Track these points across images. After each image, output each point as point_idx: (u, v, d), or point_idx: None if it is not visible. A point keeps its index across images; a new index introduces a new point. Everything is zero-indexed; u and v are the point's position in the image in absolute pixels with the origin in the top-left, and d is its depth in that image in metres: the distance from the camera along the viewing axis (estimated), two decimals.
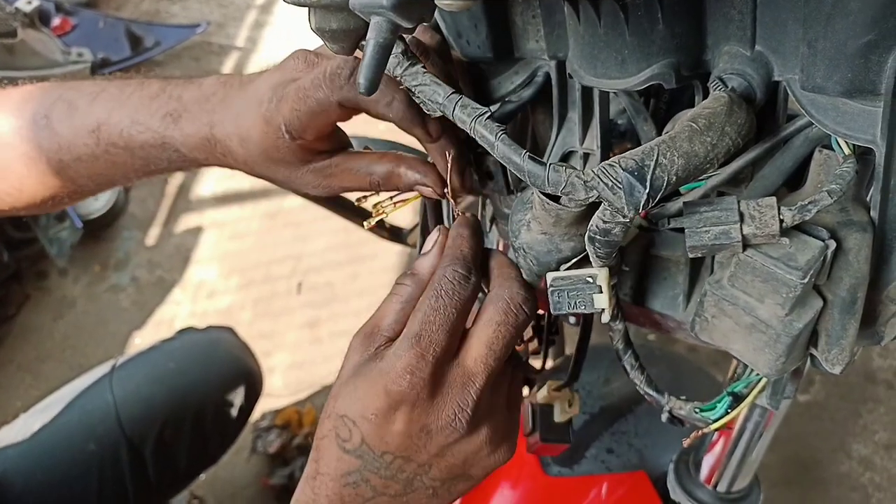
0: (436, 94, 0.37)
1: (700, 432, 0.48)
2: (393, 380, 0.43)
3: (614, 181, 0.34)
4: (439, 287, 0.44)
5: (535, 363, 0.67)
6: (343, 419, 0.45)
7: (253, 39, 2.72)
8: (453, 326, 0.44)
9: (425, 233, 0.63)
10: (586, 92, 0.52)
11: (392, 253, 1.96)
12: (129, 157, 0.59)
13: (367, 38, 0.32)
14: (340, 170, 0.53)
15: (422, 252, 0.49)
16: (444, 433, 0.44)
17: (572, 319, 0.45)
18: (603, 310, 0.43)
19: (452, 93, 0.37)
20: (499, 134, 0.35)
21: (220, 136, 0.54)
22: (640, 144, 0.54)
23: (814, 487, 1.65)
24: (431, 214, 0.62)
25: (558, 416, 0.61)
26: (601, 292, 0.42)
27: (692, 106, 0.50)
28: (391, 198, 0.53)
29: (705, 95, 0.45)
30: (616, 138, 0.62)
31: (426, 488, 0.46)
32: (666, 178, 0.34)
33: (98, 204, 2.14)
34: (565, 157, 0.56)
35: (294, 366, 1.92)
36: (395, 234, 1.52)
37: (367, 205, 0.58)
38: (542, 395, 0.60)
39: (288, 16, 2.76)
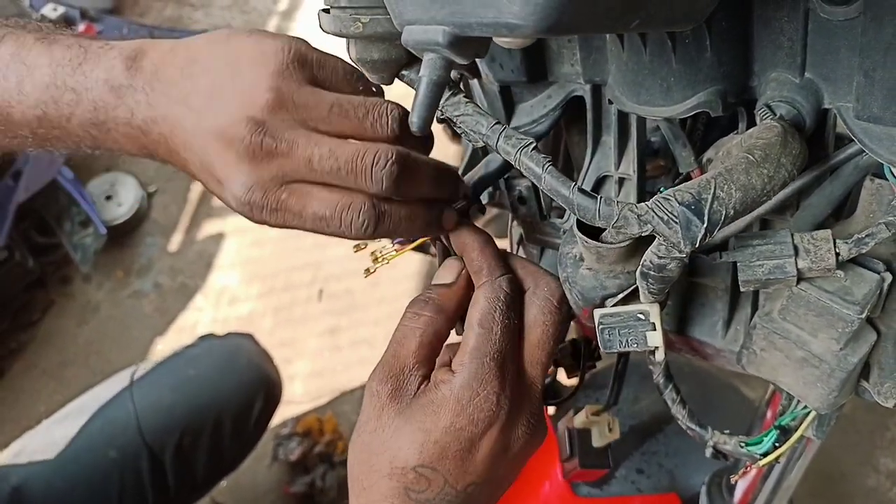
0: (479, 125, 0.37)
1: (749, 467, 0.47)
2: (479, 407, 0.41)
3: (670, 215, 0.33)
4: (499, 300, 0.43)
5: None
6: (416, 471, 0.41)
7: None
8: (516, 341, 0.43)
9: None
10: (622, 116, 0.51)
11: (413, 261, 1.96)
12: (37, 130, 0.46)
13: (420, 74, 0.31)
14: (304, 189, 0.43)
15: (440, 282, 0.47)
16: (519, 443, 0.44)
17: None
18: (657, 348, 0.42)
19: (496, 123, 0.37)
20: (546, 166, 0.34)
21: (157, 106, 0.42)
22: (674, 164, 0.53)
23: (840, 501, 1.62)
24: None
25: (597, 441, 0.60)
26: (654, 329, 0.41)
27: (731, 130, 0.49)
28: (392, 243, 0.50)
29: (749, 122, 0.44)
30: (649, 156, 0.61)
31: (491, 493, 0.45)
32: (724, 212, 0.33)
33: (121, 210, 2.16)
34: (600, 182, 0.55)
35: (315, 373, 1.92)
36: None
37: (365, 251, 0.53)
38: (580, 419, 0.59)
39: (310, 23, 2.77)
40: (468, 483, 0.42)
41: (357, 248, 0.50)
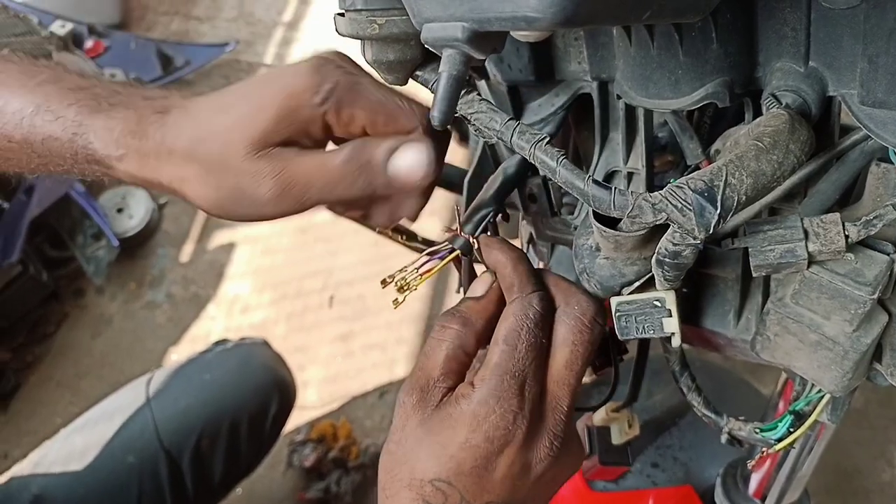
0: (493, 122, 0.38)
1: (765, 452, 0.48)
2: (495, 424, 0.40)
3: (684, 203, 0.34)
4: (527, 318, 0.42)
5: None
6: (433, 484, 0.41)
7: (281, 56, 2.75)
8: (543, 357, 0.42)
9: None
10: (630, 111, 0.52)
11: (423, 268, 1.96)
12: (27, 152, 0.50)
13: (440, 70, 0.33)
14: (316, 160, 0.46)
15: (471, 295, 0.46)
16: (542, 465, 0.43)
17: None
18: (673, 334, 0.42)
19: (510, 119, 0.38)
20: (560, 159, 0.35)
21: (175, 115, 0.47)
22: (682, 158, 0.54)
23: (855, 496, 1.61)
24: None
25: (617, 439, 0.60)
26: (671, 316, 0.42)
27: (737, 122, 0.50)
28: (416, 269, 0.48)
29: (755, 112, 0.45)
30: (657, 151, 0.62)
31: None
32: (736, 198, 0.34)
33: (133, 222, 2.18)
34: (609, 177, 0.56)
35: (328, 379, 1.93)
36: (428, 246, 1.52)
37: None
38: (599, 416, 0.59)
39: (314, 33, 2.80)
40: (486, 501, 0.42)
41: (384, 284, 0.48)
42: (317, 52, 0.47)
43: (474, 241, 0.48)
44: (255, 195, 0.45)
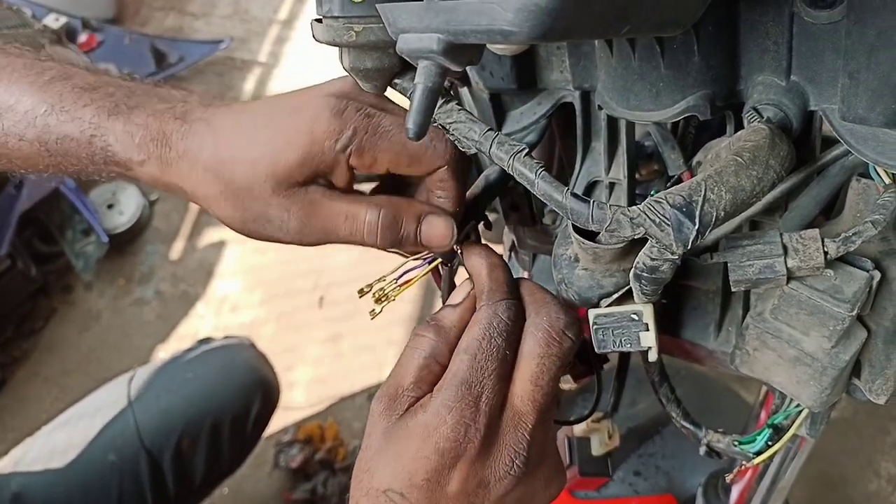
0: (472, 132, 0.37)
1: (742, 466, 0.48)
2: (445, 436, 0.39)
3: (662, 218, 0.34)
4: (491, 327, 0.41)
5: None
6: (387, 494, 0.40)
7: (275, 54, 2.75)
8: (505, 371, 0.41)
9: None
10: (612, 122, 0.52)
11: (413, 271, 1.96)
12: (39, 152, 0.50)
13: (415, 81, 0.32)
14: (333, 205, 0.46)
15: (450, 303, 0.45)
16: (503, 483, 0.41)
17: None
18: (650, 348, 0.42)
19: (488, 130, 0.37)
20: (538, 171, 0.35)
21: (197, 130, 0.47)
22: (666, 169, 0.54)
23: None
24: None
25: (597, 449, 0.59)
26: (647, 330, 0.41)
27: (721, 133, 0.49)
28: (395, 280, 0.48)
29: (737, 125, 0.45)
30: (643, 160, 0.62)
31: None
32: (714, 214, 0.34)
33: (123, 219, 2.17)
34: (590, 187, 0.56)
35: (316, 380, 1.92)
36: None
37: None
38: (579, 427, 0.59)
39: (310, 31, 2.79)
40: None
41: (361, 293, 0.48)
42: (331, 82, 0.47)
43: (458, 248, 0.47)
44: (282, 226, 0.46)
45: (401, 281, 0.47)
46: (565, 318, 0.42)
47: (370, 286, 0.47)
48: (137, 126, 0.47)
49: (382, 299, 0.46)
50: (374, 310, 0.47)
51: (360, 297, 0.47)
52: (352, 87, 0.46)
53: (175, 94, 0.50)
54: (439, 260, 0.48)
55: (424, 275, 0.47)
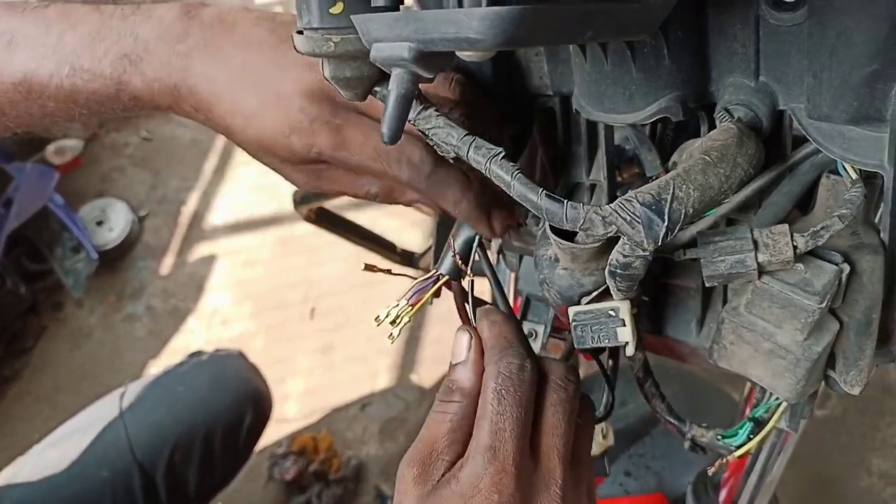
0: (450, 137, 0.38)
1: (724, 459, 0.49)
2: (480, 503, 0.39)
3: (632, 216, 0.35)
4: (498, 387, 0.42)
5: None
6: None
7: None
8: (524, 427, 0.41)
9: (438, 255, 0.61)
10: (591, 125, 0.53)
11: (404, 278, 1.97)
12: (71, 108, 0.51)
13: (388, 89, 0.33)
14: (337, 174, 0.50)
15: (456, 361, 0.46)
16: None
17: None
18: (627, 343, 0.43)
19: (466, 135, 0.38)
20: (514, 173, 0.36)
21: (201, 90, 0.48)
22: (646, 171, 0.55)
23: None
24: (444, 238, 0.61)
25: (593, 450, 0.60)
26: (624, 325, 0.42)
27: (698, 134, 0.51)
28: (408, 300, 0.48)
29: (710, 126, 0.46)
30: (624, 163, 0.63)
31: None
32: (683, 211, 0.35)
33: (113, 235, 2.17)
34: (572, 190, 0.57)
35: (308, 391, 1.92)
36: (406, 258, 1.53)
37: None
38: None
39: None
40: None
41: (378, 322, 0.48)
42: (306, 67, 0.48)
43: (460, 261, 0.49)
44: (310, 139, 0.47)
45: (412, 301, 0.48)
46: (564, 364, 0.44)
47: (387, 314, 0.48)
48: (152, 80, 0.49)
49: (397, 322, 0.47)
50: (391, 334, 0.48)
51: (378, 325, 0.48)
52: (327, 97, 0.47)
53: (175, 29, 0.49)
54: (445, 278, 0.49)
55: (434, 291, 0.49)
